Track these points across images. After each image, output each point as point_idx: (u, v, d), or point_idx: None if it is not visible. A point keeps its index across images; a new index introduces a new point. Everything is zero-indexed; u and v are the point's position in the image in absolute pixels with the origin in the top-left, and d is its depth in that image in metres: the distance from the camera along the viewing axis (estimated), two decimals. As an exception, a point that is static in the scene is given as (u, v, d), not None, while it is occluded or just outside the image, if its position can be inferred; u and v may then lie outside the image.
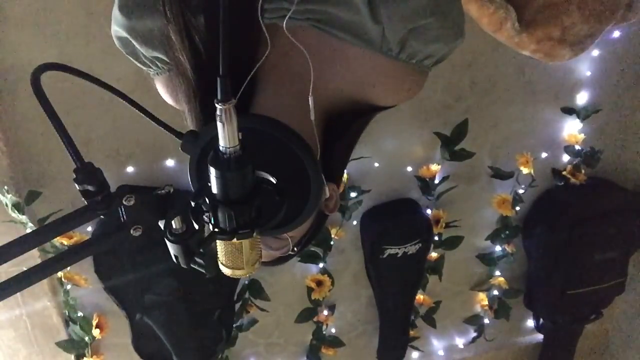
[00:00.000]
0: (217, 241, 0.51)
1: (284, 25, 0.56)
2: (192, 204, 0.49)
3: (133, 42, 0.63)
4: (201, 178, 0.57)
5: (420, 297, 2.16)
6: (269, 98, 0.61)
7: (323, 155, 0.63)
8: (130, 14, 0.60)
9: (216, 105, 0.44)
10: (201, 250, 0.50)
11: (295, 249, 0.69)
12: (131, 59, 0.66)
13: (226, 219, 0.48)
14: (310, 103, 0.58)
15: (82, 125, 1.59)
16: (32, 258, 1.47)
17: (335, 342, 2.15)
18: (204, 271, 0.51)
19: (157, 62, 0.64)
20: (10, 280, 0.43)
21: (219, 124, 0.44)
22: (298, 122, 0.58)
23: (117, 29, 0.64)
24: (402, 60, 0.61)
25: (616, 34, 1.88)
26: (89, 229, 1.67)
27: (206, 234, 0.50)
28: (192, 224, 0.49)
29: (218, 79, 0.43)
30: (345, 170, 1.99)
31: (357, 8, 0.57)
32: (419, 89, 0.66)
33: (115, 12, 0.62)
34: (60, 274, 1.70)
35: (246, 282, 1.94)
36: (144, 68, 0.67)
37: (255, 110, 0.61)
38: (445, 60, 0.65)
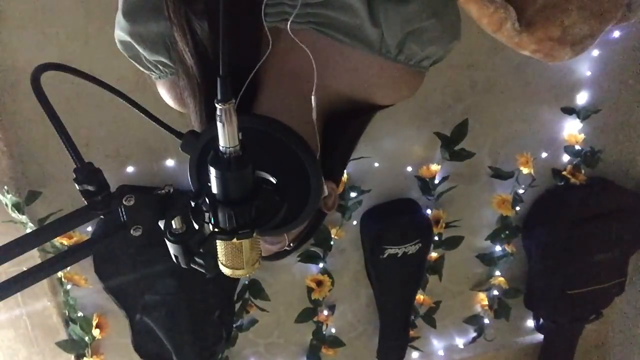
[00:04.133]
0: (217, 241, 0.51)
1: (288, 27, 0.57)
2: (192, 204, 0.49)
3: (136, 46, 0.63)
4: (201, 178, 0.57)
5: (420, 297, 2.16)
6: (270, 99, 0.62)
7: (322, 154, 0.63)
8: (134, 19, 0.61)
9: (216, 105, 0.44)
10: (201, 250, 0.50)
11: (292, 244, 0.69)
12: (133, 62, 0.67)
13: (226, 219, 0.48)
14: (312, 102, 0.59)
15: (82, 125, 1.59)
16: (32, 258, 1.47)
17: (335, 342, 2.15)
18: (204, 271, 0.51)
19: (159, 66, 0.64)
20: (10, 280, 0.43)
21: (219, 124, 0.44)
22: (298, 122, 0.58)
23: (120, 33, 0.64)
24: (401, 62, 0.62)
25: (616, 34, 1.88)
26: (89, 229, 1.67)
27: (206, 234, 0.50)
28: (192, 224, 0.50)
29: (218, 79, 0.43)
30: (345, 170, 1.98)
31: (356, 12, 0.58)
32: (417, 88, 0.67)
33: (119, 17, 0.62)
34: (60, 274, 1.70)
35: (246, 282, 1.94)
36: (146, 72, 0.67)
37: (256, 110, 0.61)
38: (443, 60, 0.66)
